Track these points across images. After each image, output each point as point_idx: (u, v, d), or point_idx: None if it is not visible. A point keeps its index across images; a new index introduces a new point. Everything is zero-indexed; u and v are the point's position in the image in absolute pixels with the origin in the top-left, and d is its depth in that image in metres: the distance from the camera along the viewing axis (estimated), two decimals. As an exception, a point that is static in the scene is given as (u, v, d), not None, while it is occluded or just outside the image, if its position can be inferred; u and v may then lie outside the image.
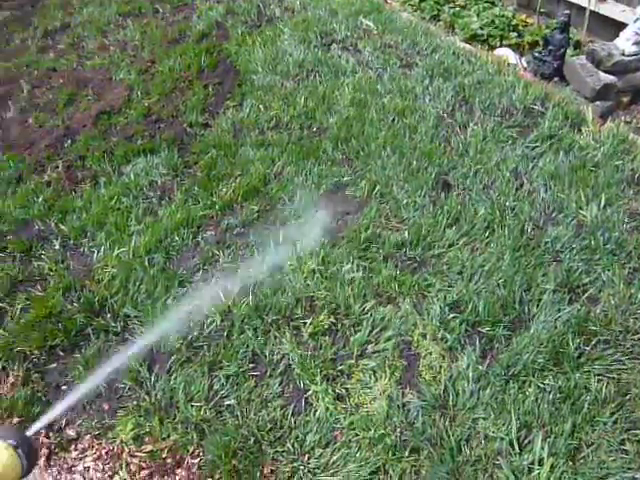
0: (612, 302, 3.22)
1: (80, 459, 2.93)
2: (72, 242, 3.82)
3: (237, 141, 4.29)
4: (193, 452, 2.83)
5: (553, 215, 3.70)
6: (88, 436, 2.98)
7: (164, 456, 2.83)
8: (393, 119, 4.38)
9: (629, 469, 2.61)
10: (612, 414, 2.78)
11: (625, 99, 4.81)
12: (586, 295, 3.27)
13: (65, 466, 2.91)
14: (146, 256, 3.61)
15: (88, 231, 3.85)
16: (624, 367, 2.98)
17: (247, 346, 3.13)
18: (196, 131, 4.45)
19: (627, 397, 2.86)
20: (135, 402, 3.00)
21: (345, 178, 3.96)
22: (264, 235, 3.65)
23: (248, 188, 3.91)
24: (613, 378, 2.93)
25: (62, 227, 3.90)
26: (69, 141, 4.51)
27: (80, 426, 3.01)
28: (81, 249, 3.78)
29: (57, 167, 4.27)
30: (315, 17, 5.53)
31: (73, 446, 2.98)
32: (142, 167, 4.20)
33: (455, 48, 5.15)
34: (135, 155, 4.29)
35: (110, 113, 4.64)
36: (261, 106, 4.56)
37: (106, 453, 2.91)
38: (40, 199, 4.08)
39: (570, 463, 2.62)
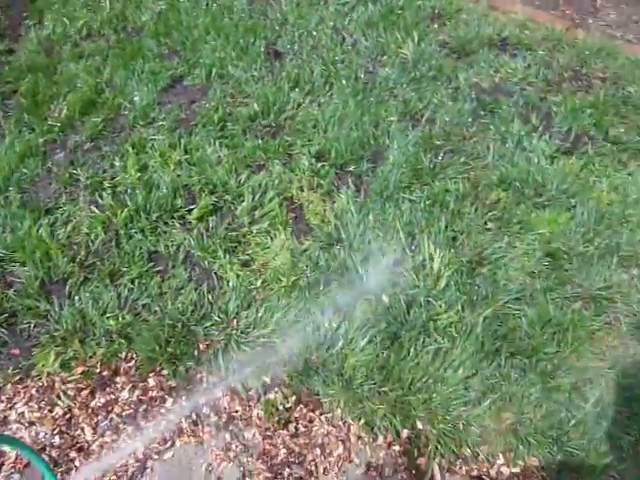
0: (446, 119, 3.69)
1: (10, 408, 2.81)
2: None
3: (52, 59, 4.01)
4: (126, 357, 2.86)
5: (378, 58, 4.04)
6: (9, 385, 2.86)
7: (98, 371, 2.84)
8: (207, 4, 4.35)
9: (495, 241, 3.15)
10: (472, 204, 3.30)
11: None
12: (425, 118, 3.71)
13: (-4, 421, 2.81)
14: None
15: None
16: (470, 166, 3.49)
17: (140, 248, 3.15)
18: (2, 59, 4.06)
19: (479, 189, 3.39)
20: (47, 335, 2.92)
21: (179, 69, 3.94)
22: (117, 142, 3.57)
23: (82, 102, 3.73)
24: (466, 177, 3.44)
25: None
26: None
27: (-5, 380, 2.89)
28: None
29: None
30: None
31: (-5, 400, 2.86)
32: (-48, 112, 3.80)
33: None
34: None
35: None
36: (64, 19, 4.26)
37: (36, 391, 2.83)
38: None
39: (452, 250, 3.09)
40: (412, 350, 2.80)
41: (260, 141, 3.54)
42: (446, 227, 3.18)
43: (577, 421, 2.66)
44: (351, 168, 3.44)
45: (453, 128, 3.64)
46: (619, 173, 3.52)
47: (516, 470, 2.63)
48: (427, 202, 3.28)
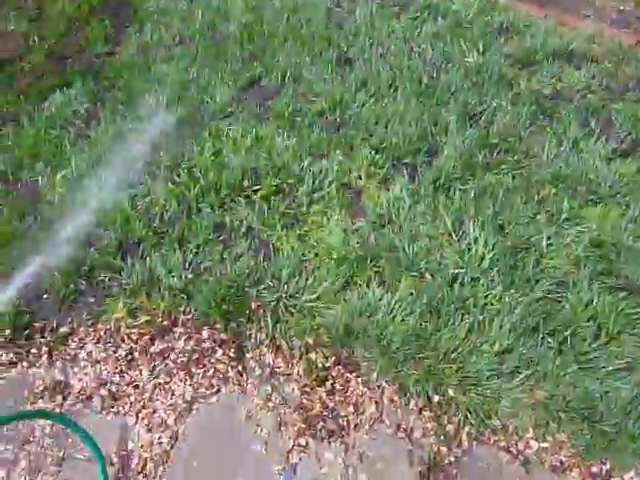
0: (504, 120, 3.83)
1: (80, 347, 3.15)
2: (11, 177, 3.91)
3: (147, 61, 4.51)
4: (185, 310, 3.15)
5: (443, 66, 4.26)
6: (82, 327, 3.21)
7: (159, 320, 3.14)
8: (287, 17, 4.75)
9: (543, 231, 3.23)
10: (522, 197, 3.40)
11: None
12: (482, 119, 3.87)
13: (68, 357, 3.14)
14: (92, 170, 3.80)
15: (25, 165, 3.95)
16: (524, 164, 3.61)
17: (208, 219, 3.46)
18: (104, 60, 4.61)
19: (531, 184, 3.49)
20: (119, 287, 3.26)
21: (258, 71, 4.31)
22: (196, 131, 3.95)
23: (170, 96, 4.16)
24: (518, 173, 3.55)
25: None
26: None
27: (72, 322, 3.23)
28: (23, 180, 3.88)
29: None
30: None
31: (70, 339, 3.20)
32: (61, 101, 4.31)
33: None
34: (50, 92, 4.39)
35: (4, 63, 4.65)
36: (162, 27, 4.78)
37: (104, 333, 3.16)
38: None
39: (499, 237, 3.19)
40: (449, 323, 2.91)
41: (325, 133, 3.81)
42: (494, 216, 3.29)
43: (611, 403, 2.66)
44: (407, 160, 3.63)
45: (510, 129, 3.76)
46: (679, 178, 3.52)
47: (545, 445, 2.66)
48: (477, 192, 3.41)
